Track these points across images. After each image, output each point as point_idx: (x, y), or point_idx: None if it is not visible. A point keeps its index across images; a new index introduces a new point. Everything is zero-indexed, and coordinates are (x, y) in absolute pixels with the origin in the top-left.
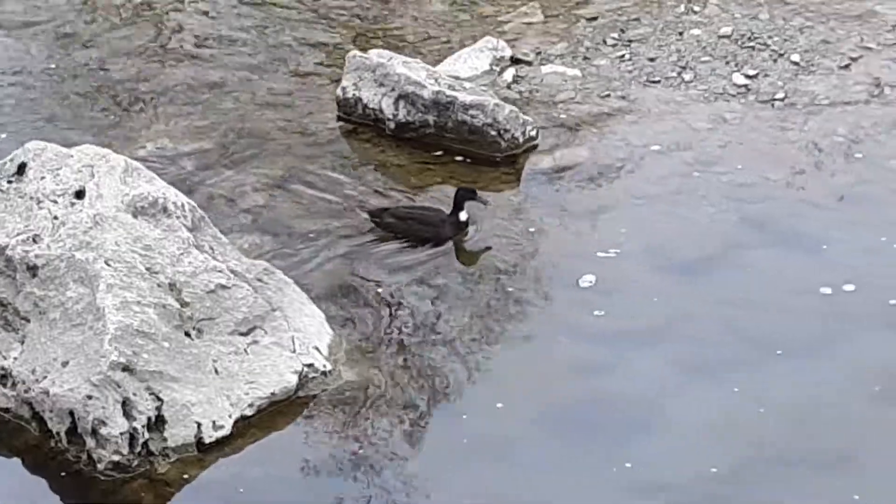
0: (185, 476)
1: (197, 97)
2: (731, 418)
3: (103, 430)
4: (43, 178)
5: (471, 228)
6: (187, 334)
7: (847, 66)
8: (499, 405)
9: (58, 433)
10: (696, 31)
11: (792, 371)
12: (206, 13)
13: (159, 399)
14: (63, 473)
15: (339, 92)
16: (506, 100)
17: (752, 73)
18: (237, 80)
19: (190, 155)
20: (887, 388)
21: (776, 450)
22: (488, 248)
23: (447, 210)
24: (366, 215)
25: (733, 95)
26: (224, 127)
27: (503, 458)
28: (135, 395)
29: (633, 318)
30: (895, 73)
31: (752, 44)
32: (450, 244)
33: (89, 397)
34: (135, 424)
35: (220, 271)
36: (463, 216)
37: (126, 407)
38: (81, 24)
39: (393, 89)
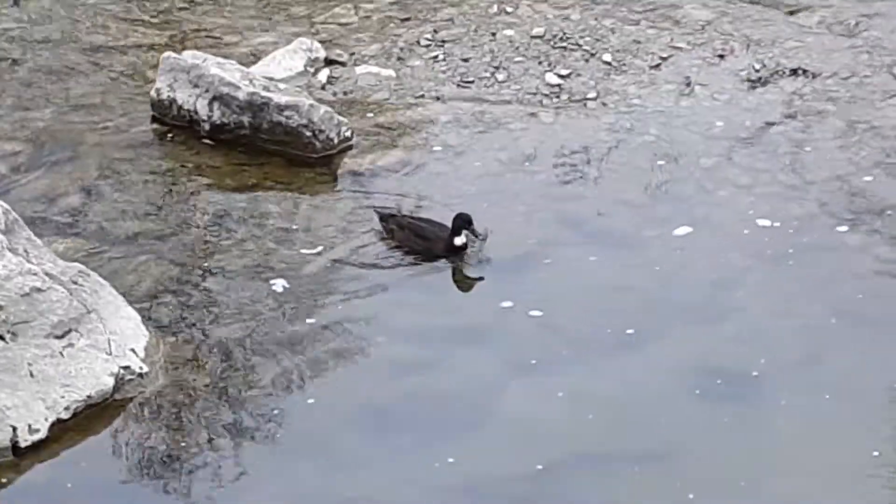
0: (2, 480)
1: (8, 99)
2: (555, 416)
3: None
4: None
5: (470, 252)
6: (1, 338)
7: (658, 66)
8: (311, 401)
9: None
10: (509, 32)
11: (612, 368)
12: (16, 14)
13: None
14: None
15: (153, 93)
16: (321, 101)
17: (564, 72)
18: (49, 81)
19: (2, 157)
20: (705, 384)
21: (604, 447)
22: (481, 279)
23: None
24: (376, 217)
25: (546, 95)
26: (37, 128)
27: (320, 454)
28: None
29: (449, 315)
30: (704, 72)
31: (564, 44)
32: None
33: None
34: None
35: (34, 274)
36: (458, 241)
37: None
38: None
39: (207, 90)
